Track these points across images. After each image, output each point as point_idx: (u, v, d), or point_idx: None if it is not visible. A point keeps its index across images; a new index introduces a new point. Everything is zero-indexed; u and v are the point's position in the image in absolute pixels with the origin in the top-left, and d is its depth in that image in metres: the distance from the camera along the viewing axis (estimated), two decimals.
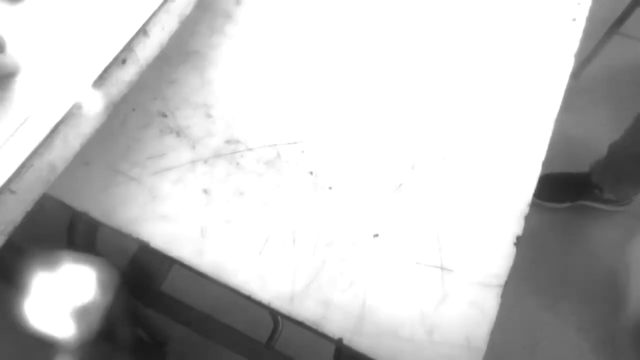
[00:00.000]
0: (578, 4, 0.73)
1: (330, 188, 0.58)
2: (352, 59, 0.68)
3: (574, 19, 0.71)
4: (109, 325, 0.66)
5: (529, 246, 1.23)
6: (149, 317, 0.94)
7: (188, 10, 0.63)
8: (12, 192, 0.46)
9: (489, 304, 0.50)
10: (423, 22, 0.71)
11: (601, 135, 1.48)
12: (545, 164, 0.59)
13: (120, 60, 0.54)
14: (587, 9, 0.72)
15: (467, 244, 0.53)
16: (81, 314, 0.62)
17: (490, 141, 0.60)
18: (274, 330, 0.66)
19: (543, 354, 1.24)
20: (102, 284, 0.64)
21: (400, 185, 0.57)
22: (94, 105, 0.52)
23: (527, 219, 0.55)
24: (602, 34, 1.44)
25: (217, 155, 0.61)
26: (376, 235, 0.54)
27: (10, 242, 0.69)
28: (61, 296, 0.63)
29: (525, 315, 1.26)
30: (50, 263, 0.63)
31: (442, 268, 0.52)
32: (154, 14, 0.57)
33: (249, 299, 0.52)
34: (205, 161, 0.60)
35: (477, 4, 0.72)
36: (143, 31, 0.56)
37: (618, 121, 1.50)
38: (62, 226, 0.64)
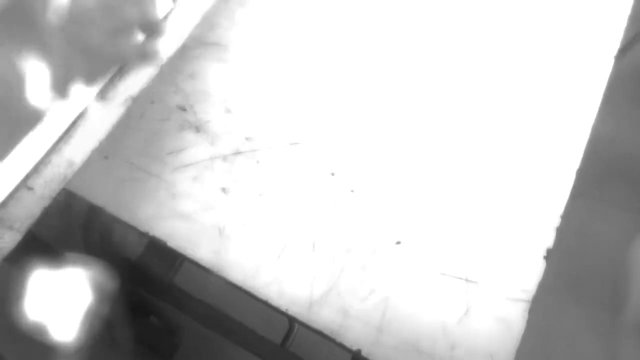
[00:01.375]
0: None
1: (352, 191, 0.56)
2: (380, 57, 0.65)
3: (616, 17, 0.67)
4: (109, 329, 0.65)
5: None
6: (161, 305, 0.93)
7: (210, 3, 0.61)
8: (30, 188, 0.45)
9: (515, 319, 0.48)
10: (462, 18, 0.67)
11: (634, 136, 1.43)
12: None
13: None
14: (629, 6, 0.68)
15: (494, 255, 0.51)
16: (81, 317, 0.61)
17: (524, 149, 0.58)
18: (289, 331, 0.64)
19: (552, 346, 1.21)
20: (102, 288, 0.63)
21: (426, 190, 0.55)
22: (113, 99, 0.51)
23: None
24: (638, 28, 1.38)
25: (237, 152, 0.59)
26: (398, 243, 0.52)
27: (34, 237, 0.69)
28: (61, 299, 0.63)
29: (567, 333, 1.22)
30: (52, 266, 0.62)
31: (467, 280, 0.50)
32: (174, 8, 0.56)
33: (265, 304, 0.50)
34: (225, 158, 0.59)
35: (512, 4, 0.68)
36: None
37: None
38: (79, 217, 0.63)
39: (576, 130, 0.58)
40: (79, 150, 0.48)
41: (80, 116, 0.47)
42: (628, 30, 0.68)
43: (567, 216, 0.51)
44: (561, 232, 0.52)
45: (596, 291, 1.28)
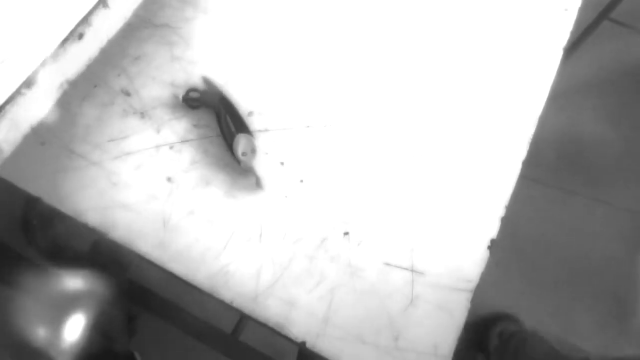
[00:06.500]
0: None
1: (301, 181, 0.55)
2: (339, 47, 0.64)
3: (566, 9, 0.68)
4: (106, 337, 0.63)
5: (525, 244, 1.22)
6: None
7: None
8: None
9: (458, 308, 0.49)
10: (412, 9, 0.67)
11: (586, 125, 1.47)
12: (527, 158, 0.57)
13: (76, 34, 0.49)
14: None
15: (440, 245, 0.52)
16: (78, 326, 0.59)
17: (470, 138, 0.58)
18: (240, 321, 0.64)
19: None
20: (98, 296, 0.61)
21: (374, 181, 0.55)
22: (46, 84, 0.48)
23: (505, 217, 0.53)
24: (591, 19, 1.40)
25: (184, 140, 0.57)
26: (346, 233, 0.52)
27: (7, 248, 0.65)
28: (57, 309, 0.61)
29: (525, 316, 1.23)
30: (46, 277, 0.59)
31: (412, 270, 0.50)
32: None
33: (211, 296, 0.49)
34: (171, 146, 0.57)
35: None
36: (103, 2, 0.51)
37: (604, 111, 1.49)
38: (17, 208, 0.60)
39: (522, 123, 0.59)
40: (7, 136, 0.45)
41: (9, 101, 0.44)
42: (578, 22, 0.69)
43: (522, 202, 0.51)
44: (517, 216, 0.52)
45: (552, 275, 1.31)
